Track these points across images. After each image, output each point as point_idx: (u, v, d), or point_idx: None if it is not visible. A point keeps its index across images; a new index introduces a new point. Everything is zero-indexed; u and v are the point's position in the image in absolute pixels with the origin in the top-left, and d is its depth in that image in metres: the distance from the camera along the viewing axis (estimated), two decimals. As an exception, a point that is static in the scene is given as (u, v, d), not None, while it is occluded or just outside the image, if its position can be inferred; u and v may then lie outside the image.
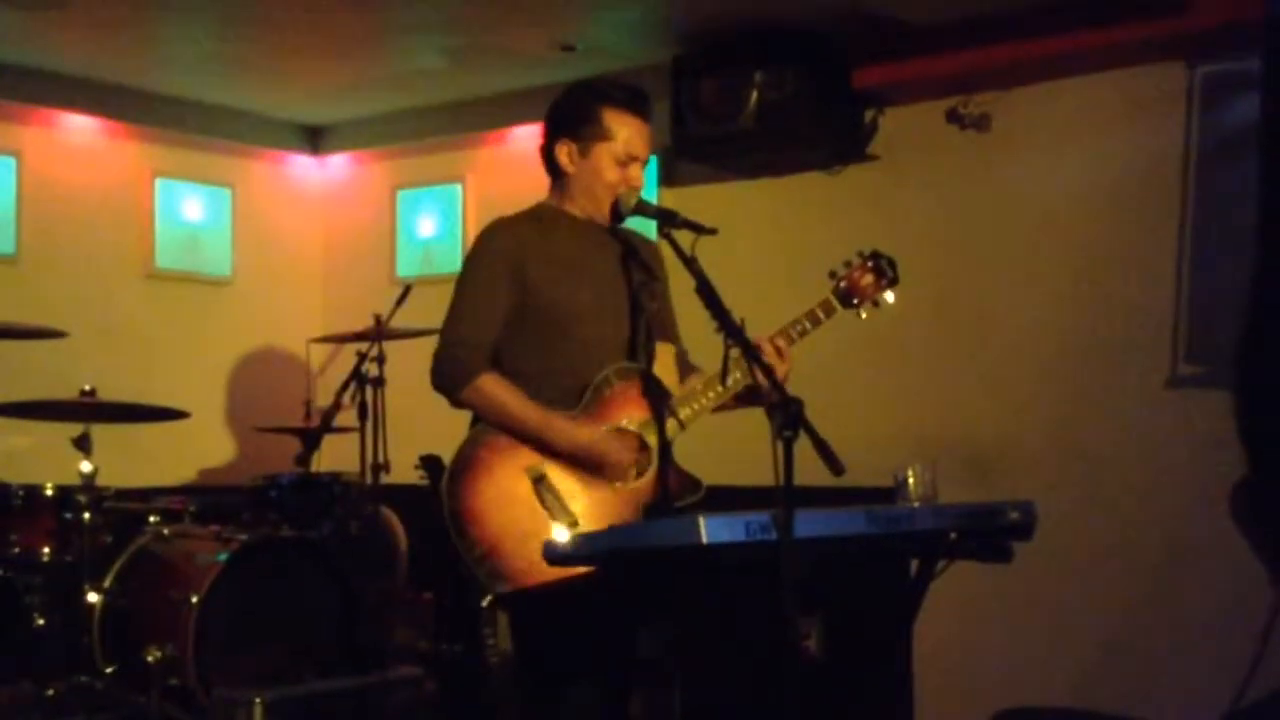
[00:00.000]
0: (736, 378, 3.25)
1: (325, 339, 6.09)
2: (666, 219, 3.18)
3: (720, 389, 3.26)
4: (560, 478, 3.22)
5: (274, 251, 6.94)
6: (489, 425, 3.25)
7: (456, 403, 3.29)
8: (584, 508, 3.20)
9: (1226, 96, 4.64)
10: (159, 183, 6.48)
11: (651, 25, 5.25)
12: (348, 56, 5.82)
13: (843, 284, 3.39)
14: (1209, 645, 4.41)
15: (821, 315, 3.37)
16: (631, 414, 3.27)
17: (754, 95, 5.10)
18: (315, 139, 7.06)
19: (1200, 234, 4.67)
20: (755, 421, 2.72)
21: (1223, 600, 4.32)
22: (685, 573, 2.75)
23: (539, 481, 3.19)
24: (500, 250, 3.33)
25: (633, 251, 3.45)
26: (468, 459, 3.19)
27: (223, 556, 4.55)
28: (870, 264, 3.43)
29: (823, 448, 2.66)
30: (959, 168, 5.20)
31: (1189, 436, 4.50)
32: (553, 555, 2.82)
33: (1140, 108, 4.83)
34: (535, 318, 3.30)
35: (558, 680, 3.27)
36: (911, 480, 3.15)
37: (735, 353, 3.09)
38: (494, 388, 3.23)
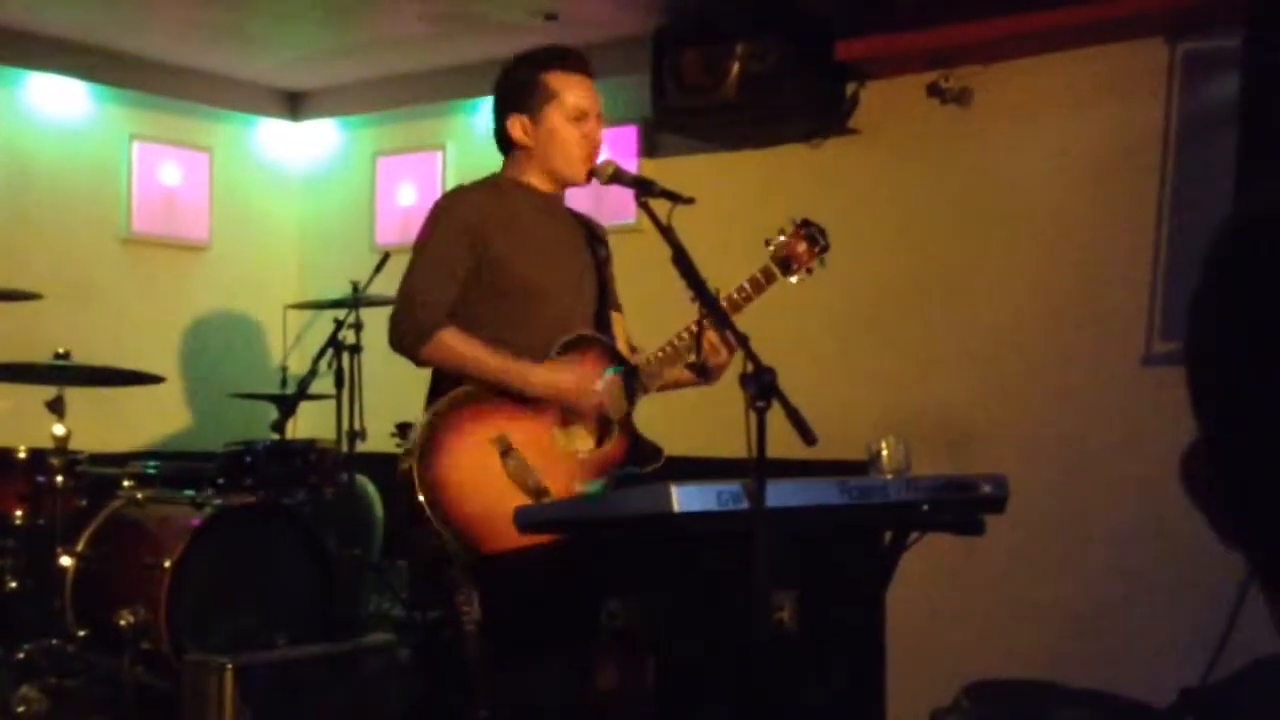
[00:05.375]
0: (691, 358, 3.27)
1: (302, 305, 6.06)
2: (643, 188, 3.19)
3: (692, 357, 3.27)
4: (526, 447, 3.23)
5: (252, 217, 6.90)
6: (450, 395, 3.25)
7: (417, 360, 3.30)
8: (550, 476, 3.23)
9: (1207, 74, 4.65)
10: (136, 146, 6.43)
11: (634, -6, 5.23)
12: (328, 22, 5.79)
13: (780, 251, 3.41)
14: (1181, 619, 4.44)
15: (763, 281, 3.39)
16: (602, 398, 3.31)
17: (735, 67, 5.09)
18: (295, 105, 7.01)
19: (1179, 211, 4.68)
20: (728, 392, 2.72)
21: (1194, 575, 4.34)
22: (656, 542, 2.75)
23: (506, 453, 3.20)
24: (460, 217, 3.35)
25: (582, 224, 3.51)
26: (433, 437, 3.20)
27: (196, 522, 4.54)
28: (803, 231, 3.45)
29: (796, 418, 2.67)
30: (939, 142, 5.20)
31: (1164, 412, 4.51)
32: (525, 522, 2.83)
33: (1121, 84, 4.83)
34: (498, 289, 3.33)
35: (526, 648, 3.28)
36: (885, 452, 3.16)
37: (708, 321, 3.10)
38: (455, 340, 3.25)
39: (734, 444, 2.67)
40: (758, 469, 2.53)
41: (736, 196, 5.59)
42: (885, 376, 5.24)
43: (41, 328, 5.44)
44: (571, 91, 3.39)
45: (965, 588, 4.91)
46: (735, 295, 3.35)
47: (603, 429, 3.33)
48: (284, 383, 5.58)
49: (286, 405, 5.23)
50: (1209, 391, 0.85)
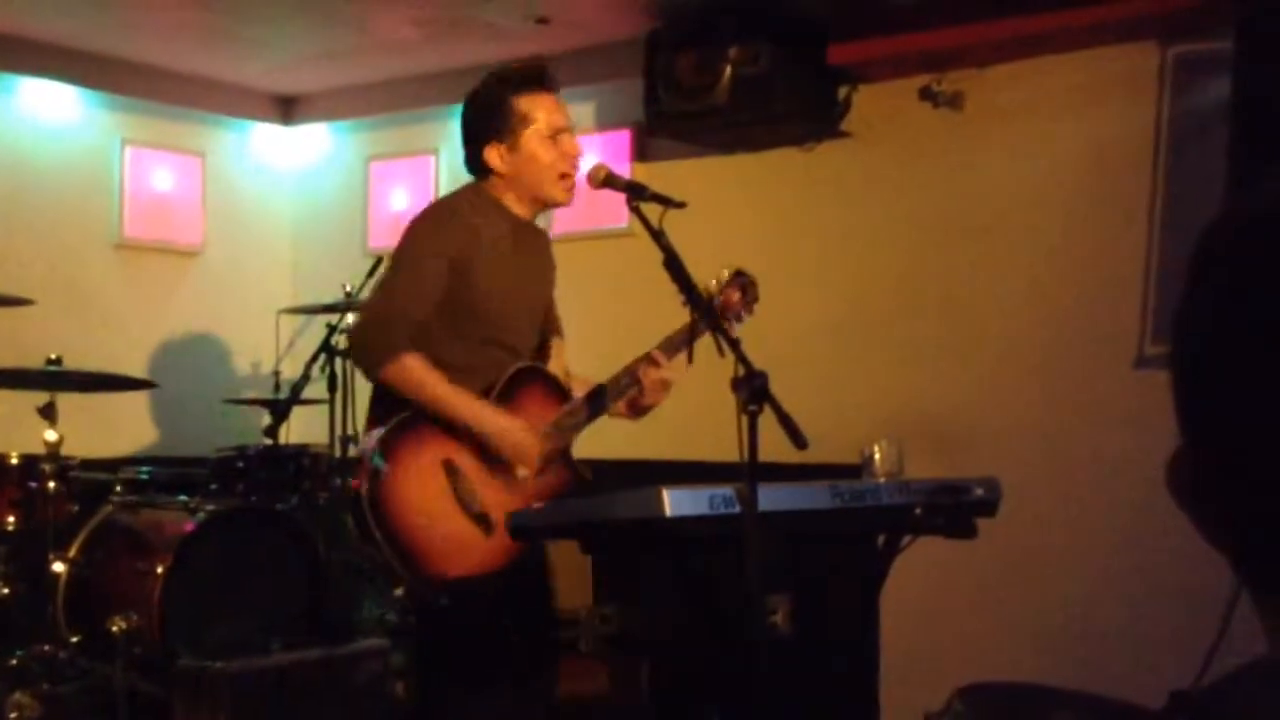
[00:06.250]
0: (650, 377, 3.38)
1: (295, 310, 6.06)
2: (635, 192, 3.19)
3: (678, 359, 3.36)
4: (472, 470, 3.31)
5: (244, 222, 6.90)
6: (400, 418, 3.28)
7: (375, 377, 3.33)
8: (490, 499, 3.29)
9: (1198, 77, 4.65)
10: (129, 151, 6.43)
11: (626, -1, 5.23)
12: (320, 26, 5.78)
13: (717, 300, 3.45)
14: (1173, 622, 4.44)
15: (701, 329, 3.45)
16: (538, 413, 3.39)
17: (728, 71, 5.09)
18: (287, 109, 7.01)
19: (1171, 214, 4.69)
20: (721, 396, 2.72)
21: (1187, 578, 4.35)
22: (649, 545, 2.75)
23: (453, 475, 3.27)
24: (447, 240, 3.35)
25: (546, 247, 3.60)
26: (383, 456, 3.24)
27: (189, 527, 4.53)
28: (738, 281, 3.51)
29: (787, 422, 2.67)
30: (932, 146, 5.21)
31: (1155, 416, 4.51)
32: (517, 527, 2.83)
33: (1113, 88, 4.83)
34: (462, 312, 3.36)
35: (466, 672, 3.37)
36: (877, 456, 3.16)
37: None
38: (419, 367, 3.26)
39: (726, 448, 2.67)
40: (750, 473, 2.53)
41: (729, 200, 5.59)
42: (877, 380, 5.24)
43: (33, 333, 5.43)
44: (544, 111, 3.40)
45: (958, 590, 4.91)
46: (676, 337, 3.40)
47: (545, 457, 3.39)
48: (277, 388, 5.58)
49: (279, 410, 5.23)
50: (1193, 395, 0.85)
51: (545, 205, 3.49)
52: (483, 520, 3.25)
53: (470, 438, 3.29)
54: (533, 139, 3.38)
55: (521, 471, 3.31)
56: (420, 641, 3.65)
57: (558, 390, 3.47)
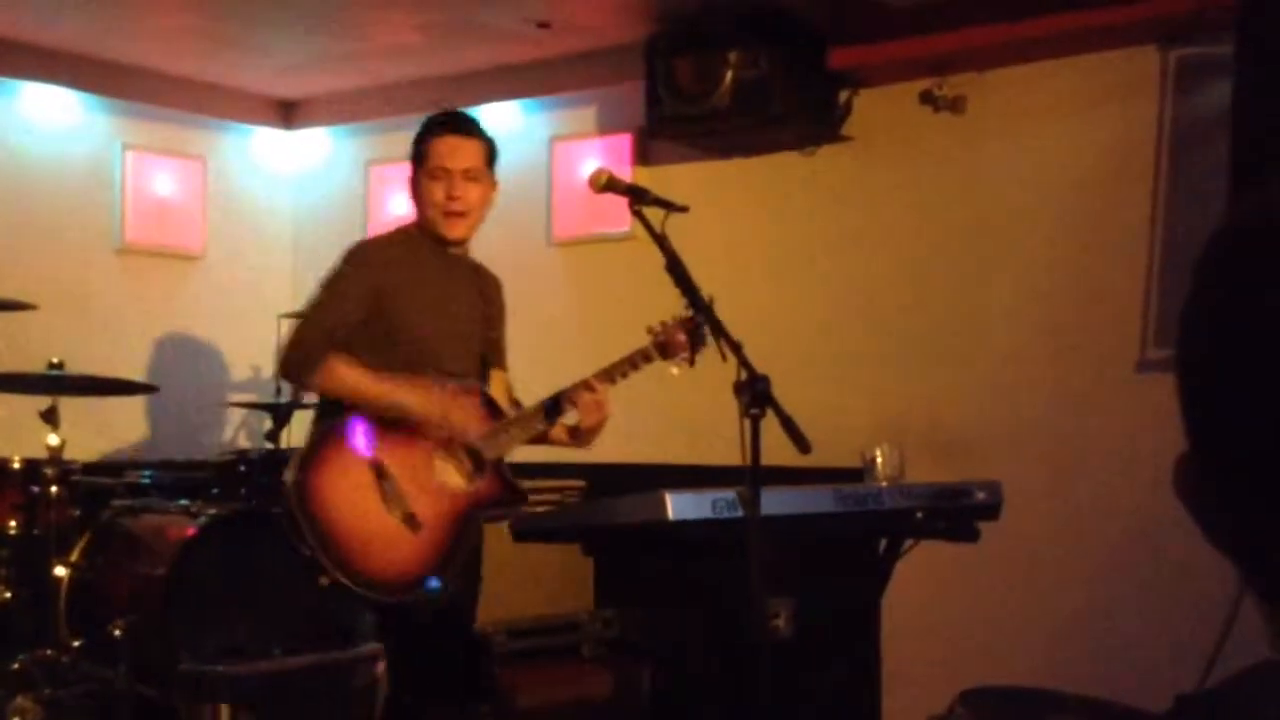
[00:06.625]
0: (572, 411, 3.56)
1: (296, 314, 6.03)
2: (637, 196, 3.21)
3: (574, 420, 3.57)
4: (402, 473, 3.46)
5: (245, 226, 6.90)
6: (335, 419, 3.48)
7: (308, 386, 3.59)
8: (419, 504, 3.45)
9: (1199, 80, 4.65)
10: (129, 156, 6.42)
11: (627, 3, 5.23)
12: (321, 31, 5.78)
13: (660, 338, 3.58)
14: (1176, 625, 4.44)
15: (640, 363, 3.60)
16: (470, 427, 3.53)
17: (728, 75, 5.09)
18: (288, 113, 7.01)
19: (1172, 217, 4.69)
20: (723, 400, 2.72)
21: (1190, 581, 4.35)
22: (651, 549, 2.75)
23: (381, 477, 3.43)
24: (369, 267, 3.61)
25: (479, 280, 3.78)
26: (315, 453, 3.45)
27: (191, 531, 4.53)
28: (688, 325, 3.57)
29: (790, 426, 2.67)
30: (933, 150, 5.20)
31: (1159, 419, 4.51)
32: (520, 531, 2.84)
33: (1114, 91, 4.83)
34: (390, 341, 3.55)
35: (409, 668, 3.59)
36: (880, 460, 3.17)
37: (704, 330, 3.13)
38: (344, 366, 3.47)
39: (728, 452, 2.67)
40: (752, 477, 2.53)
41: (731, 205, 5.59)
42: (879, 384, 5.24)
43: (35, 338, 5.42)
44: (436, 152, 3.64)
45: (960, 594, 4.91)
46: (614, 373, 3.57)
47: (476, 467, 3.52)
48: (278, 392, 5.57)
49: (280, 414, 5.23)
50: (1197, 400, 0.85)
51: (437, 238, 3.67)
52: (410, 520, 3.42)
53: (405, 437, 3.45)
54: (423, 176, 3.65)
55: (456, 434, 3.43)
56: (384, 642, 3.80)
57: (491, 407, 3.61)
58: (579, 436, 3.63)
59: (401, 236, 3.75)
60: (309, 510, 3.36)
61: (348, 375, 3.45)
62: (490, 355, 3.73)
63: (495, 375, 3.71)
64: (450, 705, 3.56)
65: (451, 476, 3.50)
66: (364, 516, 3.38)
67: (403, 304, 3.56)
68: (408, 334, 3.55)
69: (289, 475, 3.42)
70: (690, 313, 3.48)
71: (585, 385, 3.52)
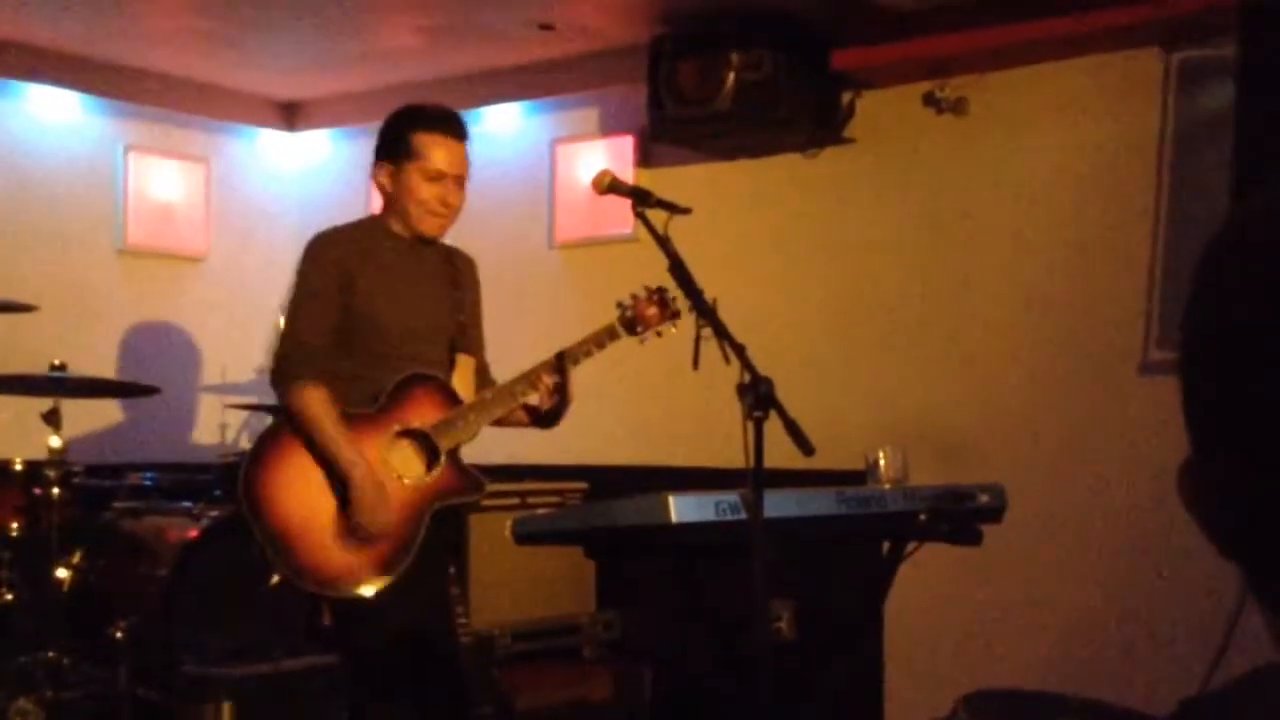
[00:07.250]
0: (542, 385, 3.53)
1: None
2: (640, 198, 3.21)
3: (522, 388, 3.54)
4: None
5: (248, 228, 6.89)
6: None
7: (282, 404, 3.52)
8: None
9: (1202, 82, 4.65)
10: (132, 157, 6.43)
11: (630, 5, 5.23)
12: (324, 33, 5.78)
13: (628, 313, 3.58)
14: (1178, 628, 4.43)
15: (605, 340, 3.58)
16: (424, 416, 3.50)
17: (731, 77, 5.09)
18: (291, 115, 7.01)
19: (1175, 219, 4.69)
20: (726, 402, 2.72)
21: (1192, 584, 4.35)
22: (653, 551, 2.75)
23: (334, 475, 3.40)
24: (332, 259, 3.58)
25: (450, 267, 3.72)
26: (266, 446, 3.44)
27: (192, 534, 4.53)
28: (655, 297, 3.59)
29: (793, 428, 2.67)
30: (936, 152, 5.20)
31: (1161, 421, 4.52)
32: (521, 533, 2.83)
33: (1116, 93, 4.83)
34: (358, 326, 3.53)
35: (369, 670, 3.52)
36: (883, 462, 3.17)
37: (706, 330, 3.12)
38: (315, 400, 3.42)
39: (731, 454, 2.66)
40: (755, 479, 2.53)
41: (733, 206, 5.59)
42: (882, 386, 5.24)
43: (37, 339, 5.43)
44: (433, 153, 3.57)
45: (963, 597, 4.90)
46: (575, 348, 3.54)
47: (431, 457, 3.49)
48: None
49: (282, 416, 5.21)
50: (1199, 402, 0.85)
51: (415, 236, 3.62)
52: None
53: (359, 429, 3.44)
54: (415, 173, 3.56)
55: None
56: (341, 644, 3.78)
57: (449, 396, 3.57)
58: (540, 419, 3.60)
59: (365, 224, 3.71)
60: (257, 506, 3.34)
61: (314, 412, 3.40)
62: (459, 341, 3.66)
63: (461, 361, 3.65)
64: (429, 712, 3.51)
65: (408, 466, 3.47)
66: (314, 511, 3.36)
67: (365, 289, 3.53)
68: (371, 323, 3.51)
69: (240, 471, 3.41)
70: (655, 287, 3.56)
71: (538, 372, 3.52)
